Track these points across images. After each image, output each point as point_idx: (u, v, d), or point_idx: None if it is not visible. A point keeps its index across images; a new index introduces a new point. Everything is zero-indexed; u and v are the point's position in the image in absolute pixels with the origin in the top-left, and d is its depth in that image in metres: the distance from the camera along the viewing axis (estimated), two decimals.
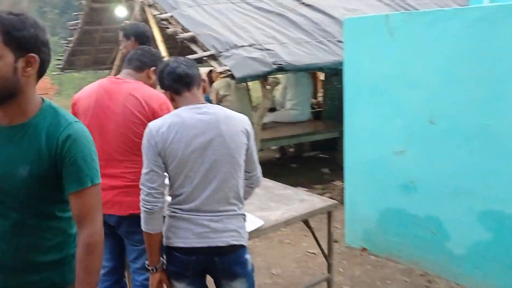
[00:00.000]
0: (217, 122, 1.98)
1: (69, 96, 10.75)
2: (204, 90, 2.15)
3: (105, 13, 6.75)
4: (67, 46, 7.76)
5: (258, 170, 2.18)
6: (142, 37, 3.25)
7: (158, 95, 2.41)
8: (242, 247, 2.05)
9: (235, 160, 2.02)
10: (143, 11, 5.50)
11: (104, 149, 2.40)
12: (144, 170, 2.02)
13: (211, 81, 7.28)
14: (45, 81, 11.35)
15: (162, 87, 2.09)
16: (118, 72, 2.65)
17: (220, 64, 4.42)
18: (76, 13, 7.32)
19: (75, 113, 2.47)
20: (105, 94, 2.40)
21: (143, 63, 2.52)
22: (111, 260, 2.60)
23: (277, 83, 4.60)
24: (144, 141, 2.01)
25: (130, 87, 2.39)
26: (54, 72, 8.05)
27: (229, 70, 4.28)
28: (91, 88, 2.48)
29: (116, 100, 2.37)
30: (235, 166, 2.03)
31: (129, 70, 2.51)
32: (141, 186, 2.01)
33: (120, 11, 5.85)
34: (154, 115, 2.34)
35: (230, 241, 2.01)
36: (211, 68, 7.85)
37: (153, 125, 2.00)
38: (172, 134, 1.95)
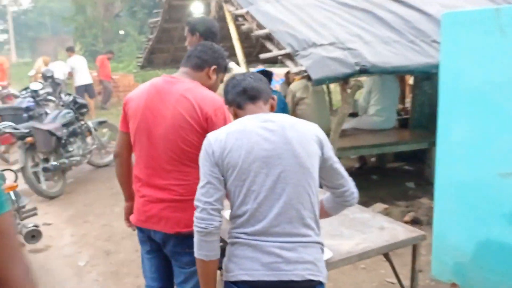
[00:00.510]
0: (283, 129, 1.74)
1: None
2: (272, 108, 1.92)
3: (184, 10, 6.62)
4: (147, 44, 7.79)
5: (350, 183, 1.86)
6: (208, 33, 2.97)
7: (213, 98, 2.08)
8: (320, 284, 1.70)
9: (307, 172, 1.70)
10: (219, 7, 5.26)
11: (153, 156, 2.11)
12: (200, 184, 1.74)
13: (288, 83, 6.93)
14: (128, 78, 11.70)
15: (226, 102, 1.94)
16: None
17: (296, 64, 4.02)
18: (156, 11, 7.31)
19: (125, 114, 2.21)
20: (156, 94, 2.11)
21: (203, 61, 2.19)
22: (158, 280, 2.31)
23: (359, 87, 4.10)
24: (202, 152, 1.77)
25: (183, 88, 2.08)
26: (135, 70, 8.19)
27: (305, 71, 3.87)
28: (144, 87, 2.20)
29: (166, 102, 2.06)
30: (308, 178, 1.70)
31: (187, 69, 2.19)
32: (195, 203, 1.73)
33: (197, 8, 5.68)
34: (208, 121, 2.02)
35: (306, 275, 1.66)
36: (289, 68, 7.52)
37: (211, 135, 1.78)
38: (231, 141, 1.73)
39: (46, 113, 6.76)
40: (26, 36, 32.15)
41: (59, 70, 10.80)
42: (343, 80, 3.98)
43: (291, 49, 4.10)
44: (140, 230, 2.22)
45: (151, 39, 7.57)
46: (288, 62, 4.13)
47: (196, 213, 1.73)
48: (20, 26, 32.51)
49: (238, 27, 5.04)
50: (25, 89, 8.09)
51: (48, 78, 8.22)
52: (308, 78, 3.89)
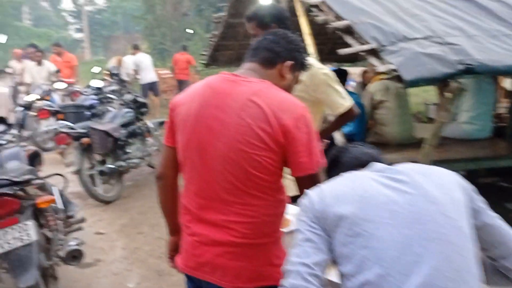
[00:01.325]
0: (408, 174, 1.28)
1: None
2: None
3: (251, 4, 6.13)
4: (211, 41, 7.36)
5: None
6: (280, 23, 2.42)
7: (293, 103, 1.51)
8: None
9: (455, 224, 1.19)
10: None
11: (207, 182, 1.56)
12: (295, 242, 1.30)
13: (365, 83, 6.24)
14: (194, 77, 11.44)
15: (329, 178, 1.46)
16: None
17: (383, 62, 3.36)
18: (222, 5, 6.87)
19: (172, 124, 1.68)
20: (213, 97, 1.55)
21: (274, 54, 1.62)
22: None
23: (462, 90, 3.37)
24: (299, 210, 1.34)
25: (251, 90, 1.51)
26: (199, 68, 7.87)
27: (395, 70, 3.20)
28: (196, 88, 1.65)
29: (228, 108, 1.50)
30: (458, 233, 1.18)
31: (253, 64, 1.63)
32: (284, 267, 1.21)
33: (265, 0, 5.16)
34: (286, 135, 1.45)
35: None
36: (366, 68, 6.79)
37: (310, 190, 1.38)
38: (337, 188, 1.31)
39: (109, 111, 6.53)
40: (100, 35, 33.33)
41: (125, 67, 10.75)
42: (442, 82, 3.28)
43: (377, 43, 3.45)
44: (189, 278, 1.69)
45: (216, 35, 7.14)
46: (373, 59, 3.47)
47: (284, 280, 1.19)
48: (95, 25, 33.76)
49: (311, 21, 4.45)
50: (89, 86, 7.98)
51: (114, 75, 8.07)
52: (398, 78, 3.22)
